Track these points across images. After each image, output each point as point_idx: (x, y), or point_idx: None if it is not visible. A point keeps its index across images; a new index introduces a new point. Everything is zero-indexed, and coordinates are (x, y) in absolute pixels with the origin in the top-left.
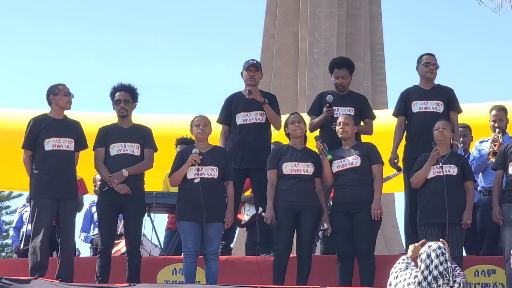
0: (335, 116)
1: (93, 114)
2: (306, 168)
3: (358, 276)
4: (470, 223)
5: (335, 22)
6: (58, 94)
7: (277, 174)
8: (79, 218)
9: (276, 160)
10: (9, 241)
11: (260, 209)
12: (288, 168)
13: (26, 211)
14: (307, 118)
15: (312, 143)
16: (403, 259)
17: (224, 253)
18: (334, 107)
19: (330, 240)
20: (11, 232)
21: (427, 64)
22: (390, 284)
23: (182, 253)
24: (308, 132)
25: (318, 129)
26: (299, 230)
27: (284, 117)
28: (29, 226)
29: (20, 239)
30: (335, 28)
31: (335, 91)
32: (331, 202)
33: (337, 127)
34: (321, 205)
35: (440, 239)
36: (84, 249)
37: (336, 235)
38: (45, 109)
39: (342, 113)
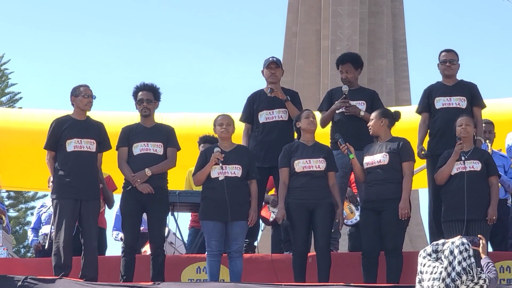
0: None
1: (116, 114)
2: (318, 164)
3: (384, 273)
4: (495, 219)
5: (358, 20)
6: (78, 96)
7: (289, 172)
8: (111, 216)
9: (287, 159)
10: None
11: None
12: (300, 165)
13: (44, 212)
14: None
15: (322, 139)
16: (437, 244)
17: (248, 251)
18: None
19: (358, 237)
20: (29, 233)
21: (444, 61)
22: (421, 272)
23: (206, 253)
24: (319, 128)
25: (330, 124)
26: (314, 228)
27: None
28: (53, 227)
29: (39, 239)
30: (357, 26)
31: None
32: (358, 198)
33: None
34: (335, 199)
35: (479, 235)
36: (116, 247)
37: (362, 231)
38: (69, 109)
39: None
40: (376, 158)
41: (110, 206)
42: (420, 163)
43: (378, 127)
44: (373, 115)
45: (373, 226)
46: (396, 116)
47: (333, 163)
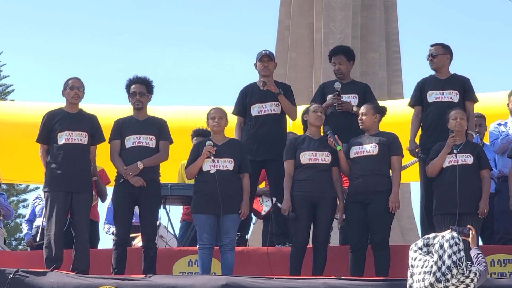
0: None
1: (108, 106)
2: (323, 157)
3: (373, 267)
4: (486, 212)
5: (350, 13)
6: (66, 89)
7: (294, 165)
8: (104, 209)
9: (293, 151)
10: None
11: (274, 199)
12: (306, 157)
13: (38, 204)
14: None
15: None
16: (428, 238)
17: (240, 244)
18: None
19: (348, 231)
20: (24, 225)
21: (427, 56)
22: (412, 266)
23: (198, 246)
24: None
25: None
26: (316, 222)
27: (300, 108)
28: (44, 220)
29: (32, 232)
30: (350, 19)
31: (337, 81)
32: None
33: (359, 117)
34: (337, 195)
35: (468, 226)
36: (109, 240)
37: (349, 225)
38: (62, 102)
39: (347, 100)
40: (366, 148)
41: (103, 199)
42: (408, 157)
43: (372, 122)
44: (365, 110)
45: (360, 219)
46: (384, 111)
47: (337, 158)
